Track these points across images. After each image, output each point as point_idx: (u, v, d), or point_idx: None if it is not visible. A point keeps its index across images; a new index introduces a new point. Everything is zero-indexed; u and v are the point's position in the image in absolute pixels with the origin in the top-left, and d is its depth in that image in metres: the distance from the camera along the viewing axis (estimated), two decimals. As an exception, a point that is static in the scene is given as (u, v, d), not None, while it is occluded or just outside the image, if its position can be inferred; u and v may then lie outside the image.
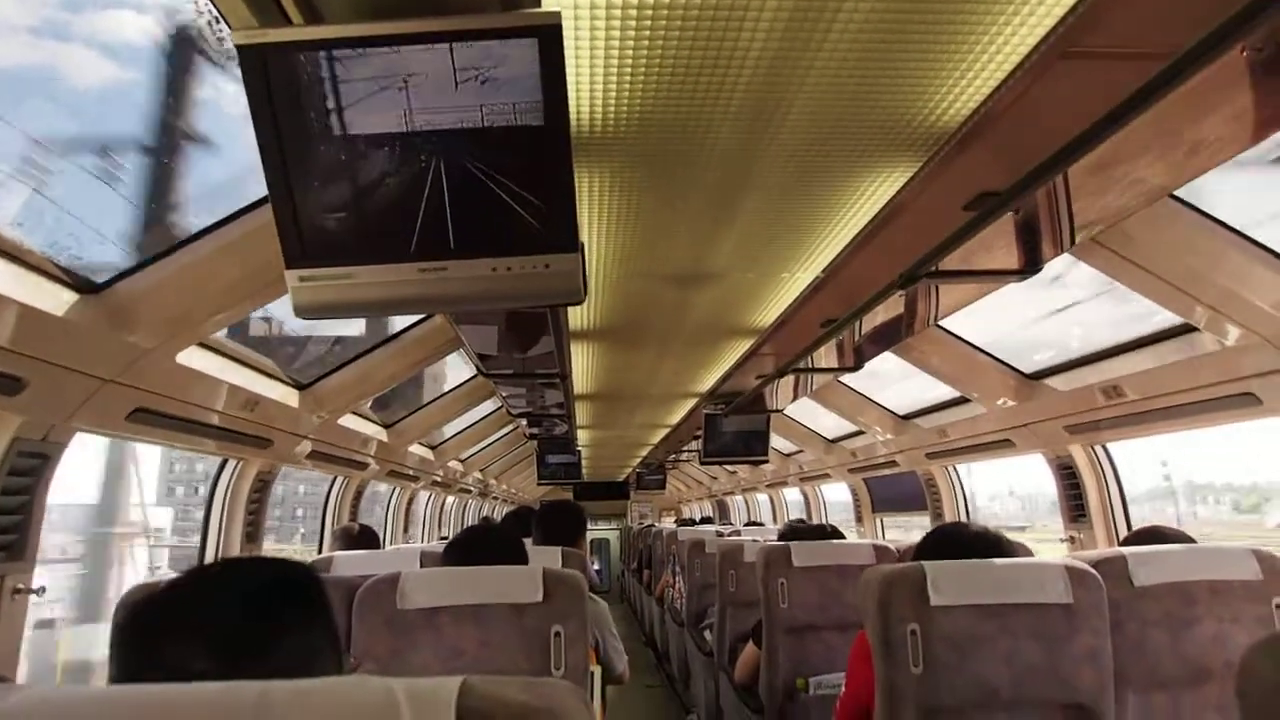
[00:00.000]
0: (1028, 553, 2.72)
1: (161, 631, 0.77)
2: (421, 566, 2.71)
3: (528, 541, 2.48)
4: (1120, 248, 2.15)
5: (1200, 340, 2.40)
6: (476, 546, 2.09)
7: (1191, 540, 2.10)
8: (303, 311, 1.26)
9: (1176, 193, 1.95)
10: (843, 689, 2.08)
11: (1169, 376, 2.56)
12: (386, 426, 4.66)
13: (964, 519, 4.65)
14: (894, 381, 4.68)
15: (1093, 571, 1.78)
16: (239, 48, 1.14)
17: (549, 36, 1.11)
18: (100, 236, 1.89)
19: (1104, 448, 3.36)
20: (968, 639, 1.70)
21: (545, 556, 2.64)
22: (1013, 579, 1.75)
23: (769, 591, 2.95)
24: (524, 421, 5.38)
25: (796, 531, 3.44)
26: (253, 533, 3.43)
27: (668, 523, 12.55)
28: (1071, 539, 3.50)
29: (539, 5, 1.20)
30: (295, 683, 0.58)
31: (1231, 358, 2.28)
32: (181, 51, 1.96)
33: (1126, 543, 2.36)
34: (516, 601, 1.82)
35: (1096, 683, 1.73)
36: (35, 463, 1.97)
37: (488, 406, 5.39)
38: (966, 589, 1.72)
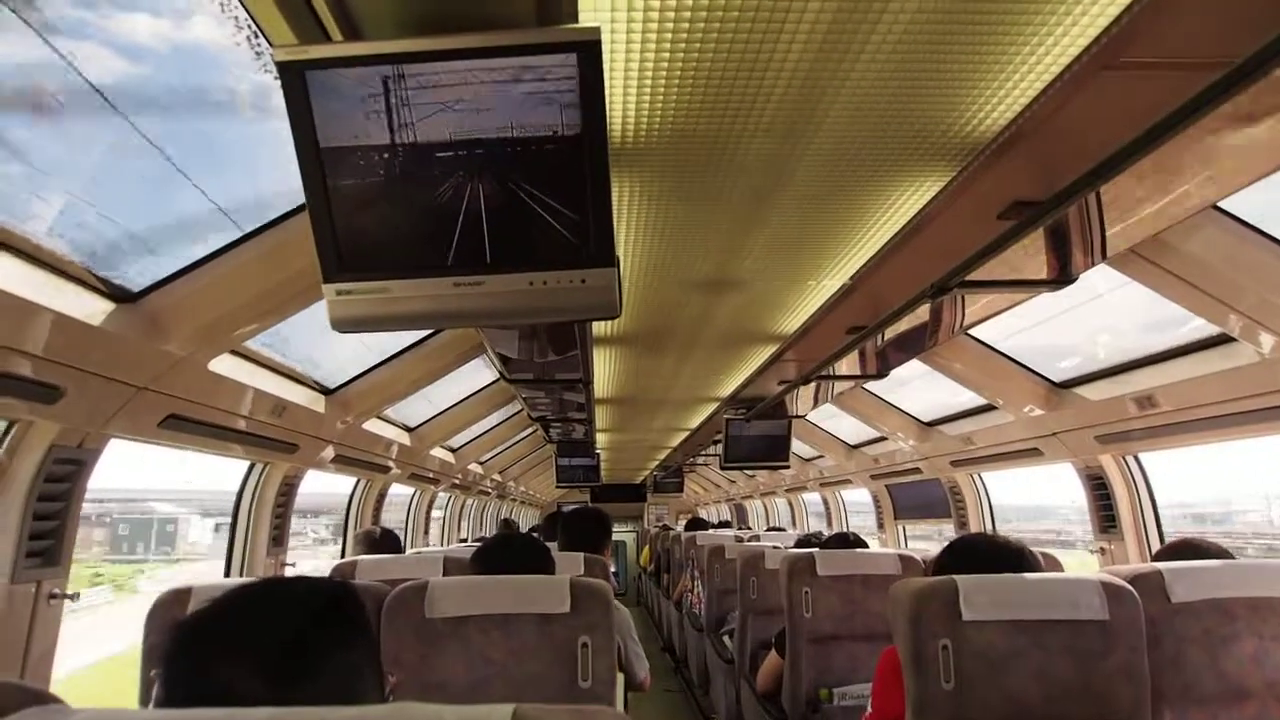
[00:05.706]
0: (1054, 564, 2.70)
1: (210, 653, 0.77)
2: (445, 572, 2.73)
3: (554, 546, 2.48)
4: (1155, 255, 2.11)
5: (1238, 350, 2.36)
6: (505, 555, 2.10)
7: (1229, 555, 2.06)
8: (340, 325, 1.27)
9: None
10: (869, 701, 2.06)
11: (1205, 387, 2.52)
12: (409, 430, 4.69)
13: (989, 528, 4.60)
14: (916, 387, 4.63)
15: (1129, 587, 1.75)
16: (279, 64, 1.15)
17: (588, 51, 1.11)
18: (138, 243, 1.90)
19: (1135, 458, 3.31)
20: (1000, 655, 1.67)
21: (567, 562, 2.65)
22: (1047, 594, 1.72)
23: (793, 600, 2.92)
24: (543, 425, 5.39)
25: (813, 542, 3.41)
26: (278, 536, 3.46)
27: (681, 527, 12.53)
28: (1102, 550, 3.44)
29: (576, 20, 1.20)
30: (348, 709, 0.58)
31: (1271, 369, 2.23)
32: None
33: (1159, 557, 2.31)
34: (544, 611, 1.82)
35: (1132, 700, 1.69)
36: (71, 469, 1.99)
37: (508, 410, 5.41)
38: (1000, 604, 1.69)
